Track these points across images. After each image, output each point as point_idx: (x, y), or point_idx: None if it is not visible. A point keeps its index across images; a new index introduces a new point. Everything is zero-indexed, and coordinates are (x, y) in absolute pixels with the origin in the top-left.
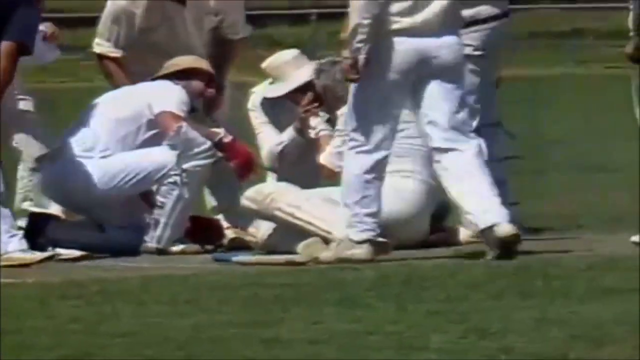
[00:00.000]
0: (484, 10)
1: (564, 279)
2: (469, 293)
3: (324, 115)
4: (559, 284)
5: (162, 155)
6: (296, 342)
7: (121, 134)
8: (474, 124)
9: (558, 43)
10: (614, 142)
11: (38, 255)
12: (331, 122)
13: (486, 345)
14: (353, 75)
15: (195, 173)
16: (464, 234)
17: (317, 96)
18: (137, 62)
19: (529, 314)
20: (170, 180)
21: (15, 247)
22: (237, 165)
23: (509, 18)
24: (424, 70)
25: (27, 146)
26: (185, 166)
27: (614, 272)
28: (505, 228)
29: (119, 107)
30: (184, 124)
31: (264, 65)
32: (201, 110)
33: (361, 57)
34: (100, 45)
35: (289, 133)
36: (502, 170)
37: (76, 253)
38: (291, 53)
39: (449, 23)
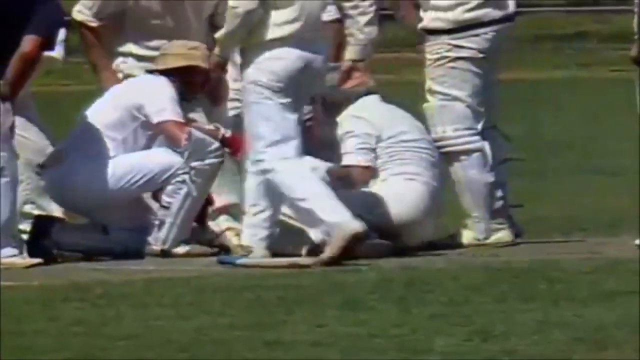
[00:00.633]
0: (488, 13)
1: (567, 282)
2: (472, 296)
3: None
4: (562, 287)
5: (168, 156)
6: (299, 344)
7: (119, 138)
8: (479, 126)
9: (562, 46)
10: (618, 145)
11: (28, 260)
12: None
13: (489, 348)
14: (218, 74)
15: (204, 171)
16: (467, 236)
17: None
18: (134, 40)
19: (531, 317)
20: (178, 179)
21: (7, 253)
22: (242, 157)
23: (513, 22)
24: (305, 79)
25: (23, 149)
26: (194, 164)
27: (616, 275)
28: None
29: (109, 112)
30: (190, 128)
31: None
32: (207, 103)
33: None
34: (81, 13)
35: None
36: (502, 172)
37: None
38: None
39: (322, 33)
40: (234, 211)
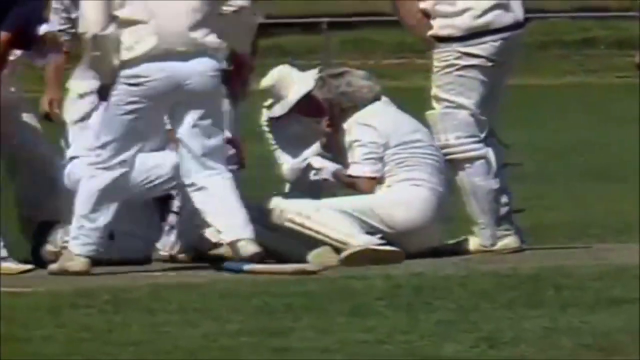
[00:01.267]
0: (497, 19)
1: (574, 289)
2: (480, 302)
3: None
4: (569, 294)
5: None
6: (307, 351)
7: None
8: (482, 134)
9: (568, 52)
10: (624, 151)
11: (21, 266)
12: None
13: (497, 354)
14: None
15: None
16: (473, 243)
17: (319, 106)
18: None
19: (539, 323)
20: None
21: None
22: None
23: (524, 29)
24: (178, 97)
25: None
26: None
27: (623, 282)
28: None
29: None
30: None
31: (260, 87)
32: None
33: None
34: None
35: (314, 149)
36: (503, 178)
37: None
38: (282, 69)
39: (200, 48)
40: None
